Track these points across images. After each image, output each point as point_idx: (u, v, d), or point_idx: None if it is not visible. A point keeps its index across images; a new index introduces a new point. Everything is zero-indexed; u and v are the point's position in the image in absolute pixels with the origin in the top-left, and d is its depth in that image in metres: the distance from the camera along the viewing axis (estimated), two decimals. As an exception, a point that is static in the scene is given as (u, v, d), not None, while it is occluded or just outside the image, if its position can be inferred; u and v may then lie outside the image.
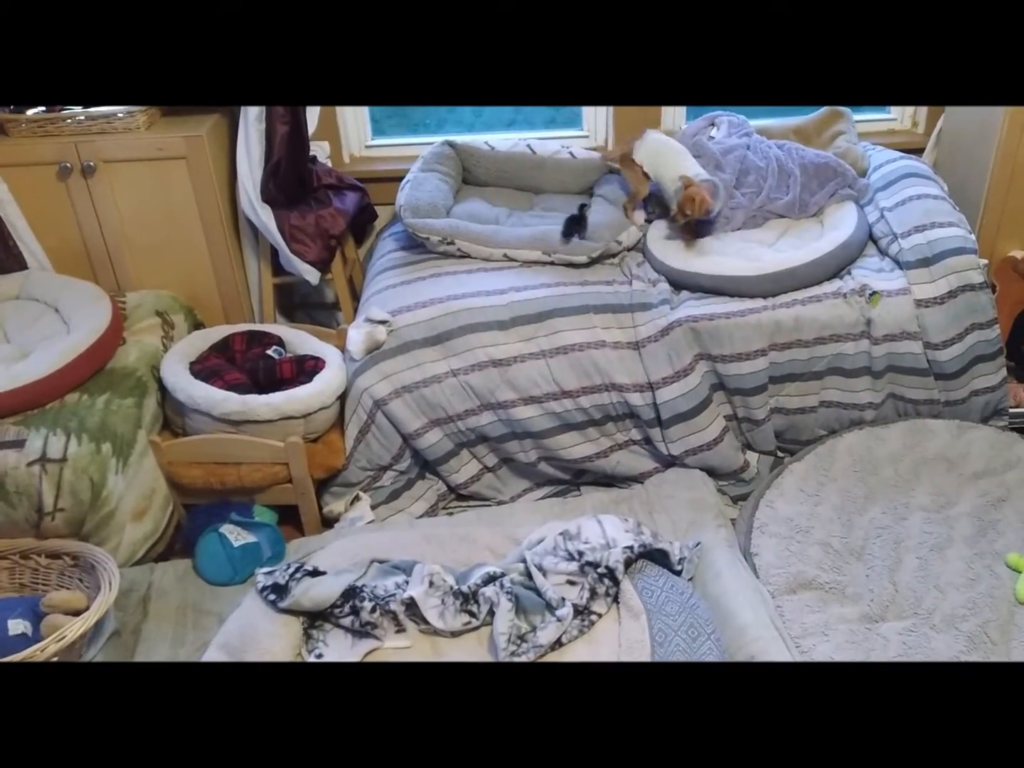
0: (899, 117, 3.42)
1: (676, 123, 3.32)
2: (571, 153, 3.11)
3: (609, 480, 2.68)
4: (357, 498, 2.56)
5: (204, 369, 2.55)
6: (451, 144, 3.11)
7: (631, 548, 2.15)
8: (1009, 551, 2.20)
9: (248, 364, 2.61)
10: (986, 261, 2.64)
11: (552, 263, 2.77)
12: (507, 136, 3.25)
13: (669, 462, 2.63)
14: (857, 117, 3.27)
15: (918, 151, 3.24)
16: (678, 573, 2.20)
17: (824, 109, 3.19)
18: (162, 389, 2.54)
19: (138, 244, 2.87)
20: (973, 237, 2.62)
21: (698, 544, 2.26)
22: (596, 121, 3.35)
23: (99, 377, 2.47)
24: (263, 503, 2.51)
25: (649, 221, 2.95)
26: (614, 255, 2.84)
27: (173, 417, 2.56)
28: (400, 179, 2.98)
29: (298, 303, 3.33)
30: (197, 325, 2.91)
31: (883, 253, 2.74)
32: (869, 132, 3.35)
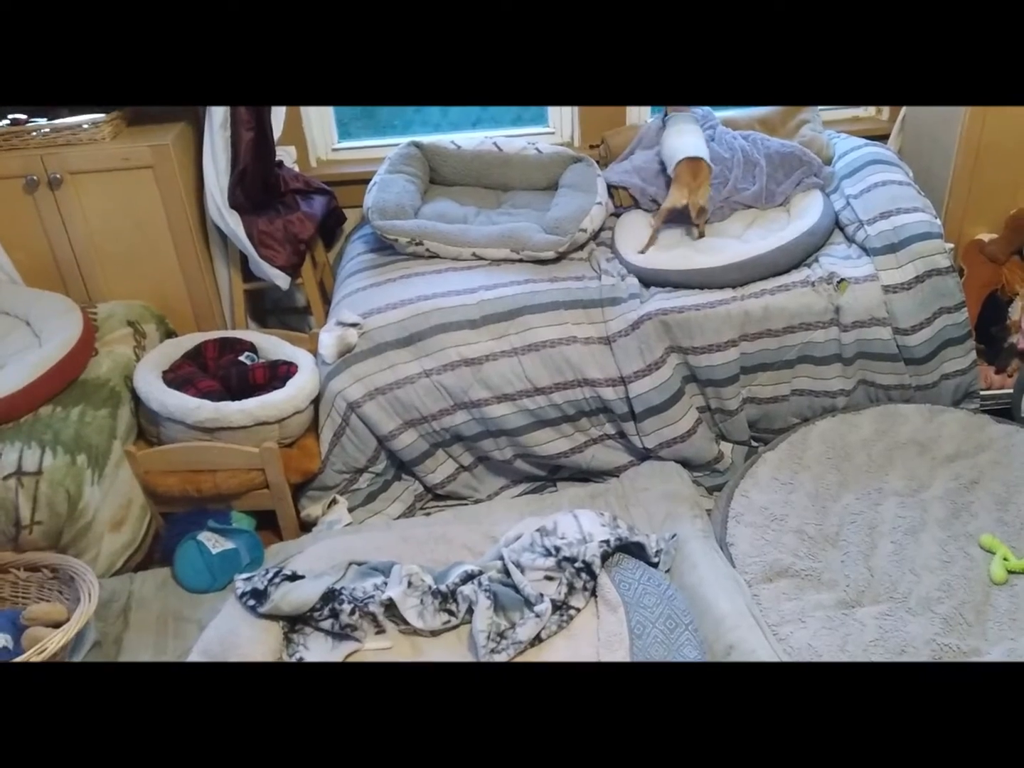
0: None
1: (641, 117, 3.33)
2: (537, 149, 3.12)
3: (585, 475, 2.70)
4: (334, 501, 2.56)
5: (177, 378, 2.54)
6: (417, 145, 3.11)
7: (607, 542, 2.17)
8: (982, 532, 2.22)
9: (221, 371, 2.61)
10: (952, 245, 2.67)
11: (521, 260, 2.77)
12: (473, 135, 3.25)
13: (644, 455, 2.64)
14: (821, 105, 3.30)
15: (883, 138, 3.26)
16: (655, 565, 2.21)
17: (789, 99, 3.21)
18: (135, 399, 2.53)
19: (107, 254, 2.85)
20: (939, 222, 2.64)
21: (674, 536, 2.28)
22: (562, 118, 3.36)
23: (72, 389, 2.45)
24: (240, 509, 2.50)
25: (616, 215, 2.96)
26: (582, 246, 2.84)
27: (147, 426, 2.55)
28: (368, 181, 2.98)
29: (270, 308, 3.32)
30: (169, 334, 2.90)
31: (850, 240, 2.76)
32: (834, 120, 3.37)
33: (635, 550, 2.22)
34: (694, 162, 2.72)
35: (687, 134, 2.82)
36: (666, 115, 2.99)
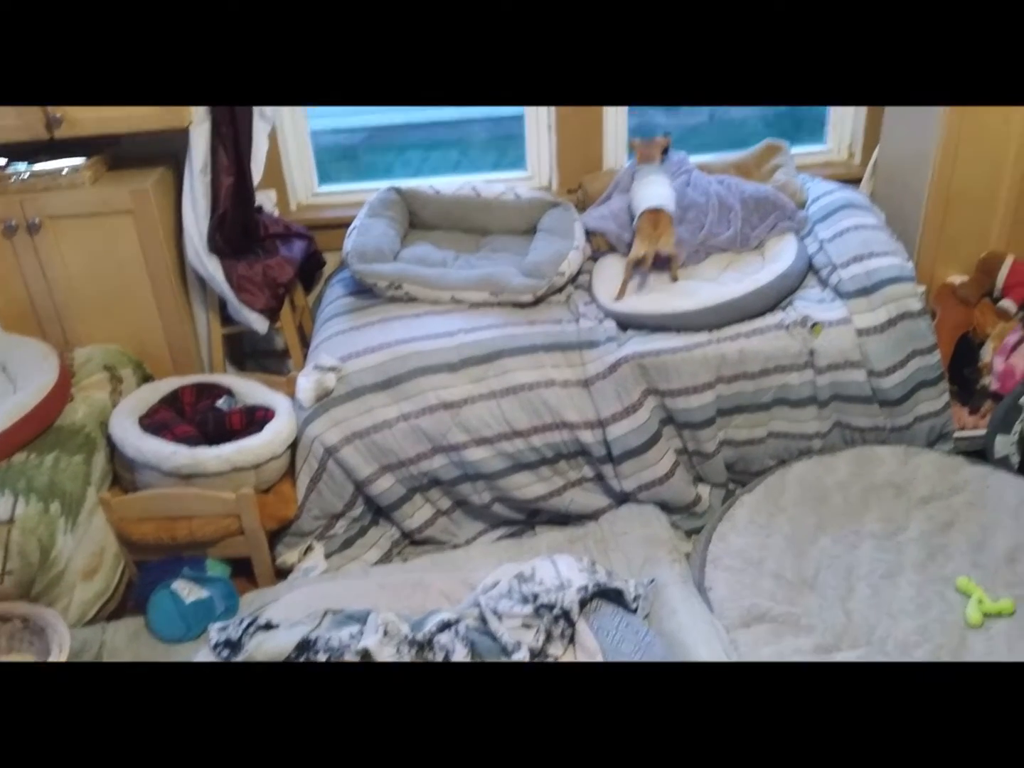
0: (836, 148, 3.49)
1: (618, 162, 3.37)
2: (516, 194, 3.15)
3: (564, 519, 2.69)
4: (310, 547, 2.54)
5: (153, 423, 2.53)
6: (397, 189, 3.14)
7: (586, 588, 2.15)
8: (958, 575, 2.23)
9: (198, 416, 2.60)
10: (924, 288, 2.70)
11: (500, 304, 2.79)
12: (453, 180, 3.28)
13: (623, 498, 2.64)
14: (794, 150, 3.35)
15: (855, 181, 3.32)
16: (633, 611, 2.20)
17: (762, 143, 3.26)
18: (111, 445, 2.52)
19: (86, 299, 2.85)
20: (910, 266, 2.68)
21: (652, 581, 2.27)
22: (540, 162, 3.40)
23: (47, 435, 2.44)
24: (215, 556, 2.48)
25: (594, 259, 2.99)
26: (560, 289, 2.86)
27: (123, 473, 2.54)
28: (348, 225, 3.00)
29: (248, 352, 3.32)
30: (146, 378, 2.89)
31: (824, 283, 2.79)
32: (807, 164, 3.42)
33: (613, 596, 2.21)
34: (655, 213, 2.77)
35: (652, 184, 2.87)
36: (635, 167, 3.04)
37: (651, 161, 3.02)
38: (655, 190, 2.85)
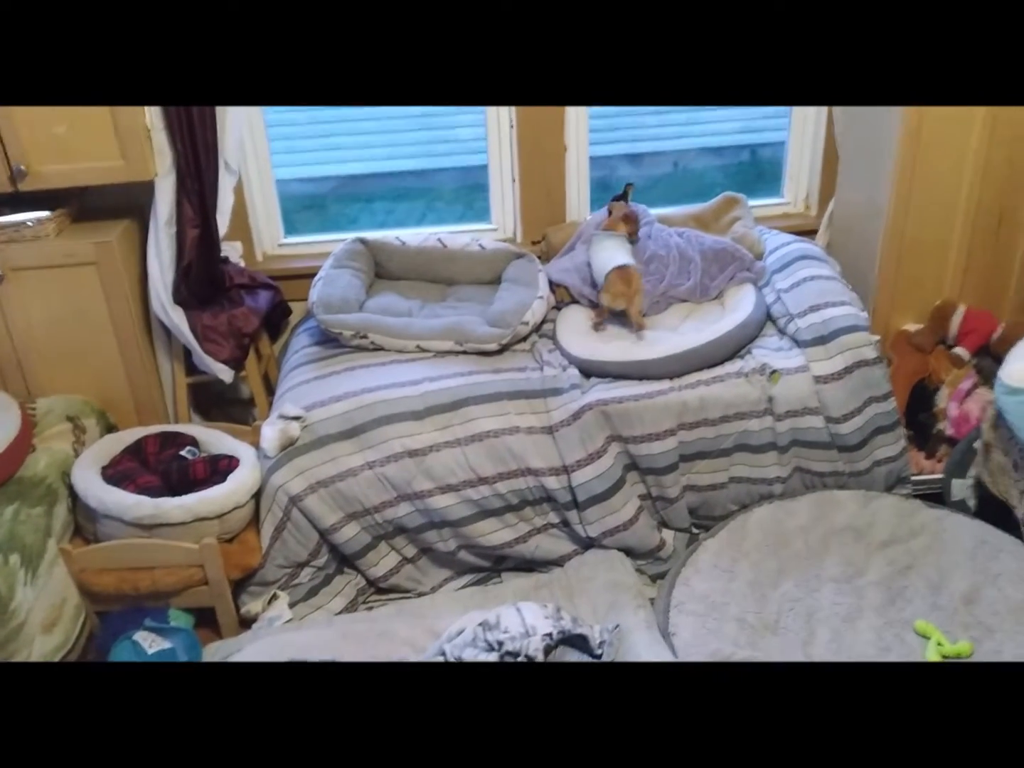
0: (793, 201, 3.59)
1: (581, 214, 3.43)
2: (481, 245, 3.19)
3: (530, 565, 2.70)
4: (275, 596, 2.53)
5: (116, 473, 2.52)
6: (363, 240, 3.17)
7: (550, 635, 2.15)
8: (917, 618, 2.25)
9: (161, 466, 2.59)
10: (878, 337, 2.76)
11: (465, 352, 2.82)
12: (418, 231, 3.32)
13: (588, 544, 2.66)
14: (754, 202, 3.43)
15: (812, 233, 3.40)
16: (598, 657, 2.20)
17: (721, 196, 3.34)
18: (73, 495, 2.50)
19: (48, 350, 2.84)
20: (865, 315, 2.74)
21: (617, 626, 2.28)
22: (504, 214, 3.45)
23: (7, 487, 2.41)
24: (178, 607, 2.46)
25: (558, 308, 3.03)
26: (525, 338, 2.90)
27: (85, 523, 2.52)
28: (314, 275, 3.02)
29: (214, 401, 3.32)
30: (110, 428, 2.88)
31: (781, 332, 2.85)
32: (766, 216, 3.51)
33: (578, 642, 2.22)
34: (624, 271, 2.81)
35: (611, 249, 2.90)
36: (595, 230, 3.03)
37: (614, 233, 2.97)
38: (619, 254, 2.87)
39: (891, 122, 2.85)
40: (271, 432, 2.52)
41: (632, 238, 3.01)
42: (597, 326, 2.87)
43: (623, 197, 3.07)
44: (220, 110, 2.76)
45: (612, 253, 2.87)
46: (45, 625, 2.31)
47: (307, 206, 3.59)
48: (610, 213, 3.04)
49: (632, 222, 3.01)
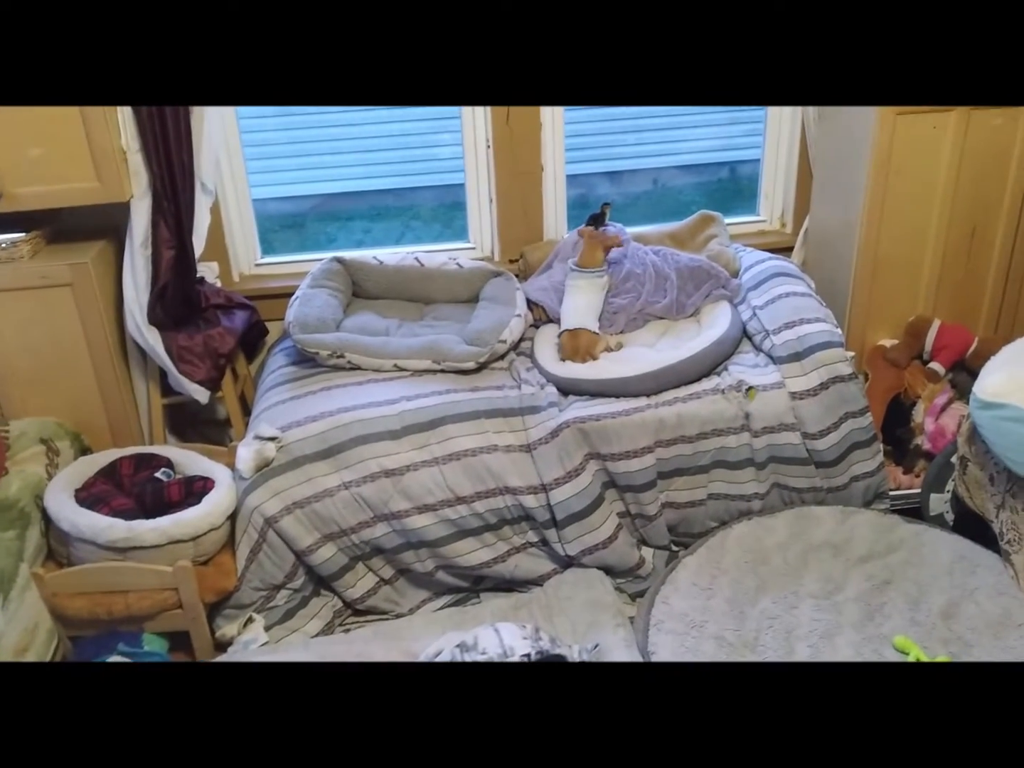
0: (769, 218, 3.61)
1: (559, 233, 3.44)
2: (458, 264, 3.20)
3: (509, 585, 2.68)
4: (250, 619, 2.50)
5: (90, 496, 2.49)
6: (340, 260, 3.17)
7: (528, 656, 2.14)
8: (896, 633, 2.25)
9: (136, 488, 2.57)
10: (853, 353, 2.78)
11: (442, 371, 2.81)
12: (396, 250, 3.32)
13: (567, 563, 2.65)
14: (730, 220, 3.45)
15: (787, 250, 3.42)
16: (576, 676, 2.19)
17: (697, 214, 3.36)
18: (46, 519, 2.48)
19: (22, 372, 2.82)
20: (839, 331, 2.76)
21: (596, 646, 2.27)
22: (482, 233, 3.46)
23: (-21, 511, 2.40)
24: (152, 631, 2.43)
25: (536, 326, 3.04)
26: (502, 356, 2.90)
27: (58, 547, 2.49)
28: (291, 295, 3.02)
29: (190, 421, 3.30)
30: (84, 450, 2.85)
31: (757, 349, 2.86)
32: (742, 234, 3.53)
33: (557, 662, 2.20)
34: (574, 335, 2.83)
35: (574, 299, 2.91)
36: (570, 268, 2.99)
37: (591, 272, 2.93)
38: (575, 312, 2.88)
39: (863, 140, 2.88)
40: (247, 453, 2.51)
41: (614, 246, 2.98)
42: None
43: (600, 217, 3.07)
44: (196, 131, 2.76)
45: (574, 306, 2.89)
46: (17, 650, 2.28)
47: (286, 225, 3.59)
48: (580, 235, 3.04)
49: (607, 243, 2.99)
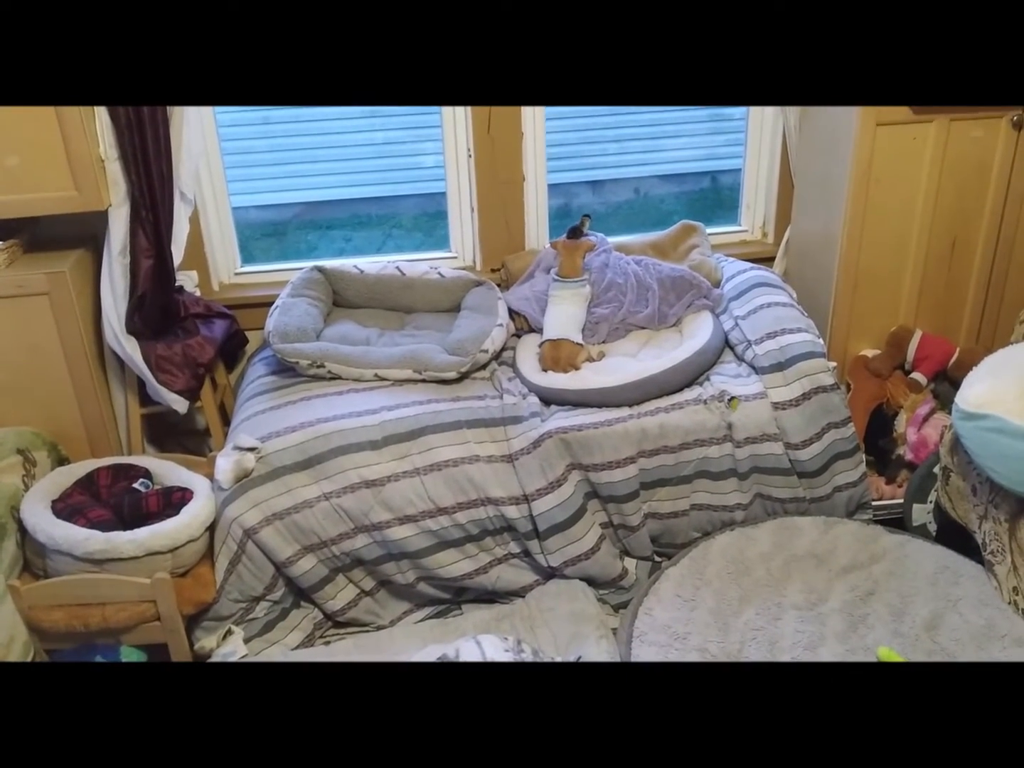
0: (750, 228, 3.61)
1: (540, 242, 3.44)
2: (440, 273, 3.18)
3: (491, 596, 2.67)
4: (229, 632, 2.47)
5: (67, 507, 2.46)
6: (320, 269, 3.15)
7: (510, 667, 2.13)
8: (879, 644, 2.25)
9: (114, 499, 2.54)
10: (835, 364, 2.78)
11: (424, 380, 2.79)
12: (377, 259, 3.30)
13: (549, 574, 2.63)
14: (711, 230, 3.46)
15: (769, 260, 3.43)
16: (559, 689, 2.18)
17: (678, 224, 3.36)
18: (23, 530, 2.44)
19: (-2, 381, 2.79)
20: (821, 341, 2.76)
21: (579, 658, 2.26)
22: (463, 242, 3.45)
23: (-47, 522, 2.36)
24: (130, 643, 2.40)
25: (518, 336, 3.02)
26: (484, 366, 2.89)
27: (34, 559, 2.45)
28: (271, 304, 2.99)
29: (168, 431, 3.26)
30: (62, 460, 2.81)
31: (739, 359, 2.86)
32: (724, 244, 3.53)
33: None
34: (555, 345, 2.82)
35: (556, 310, 2.91)
36: (553, 279, 2.99)
37: (572, 282, 2.94)
38: (562, 316, 2.88)
39: (844, 151, 2.89)
40: (226, 464, 2.48)
41: (589, 250, 2.99)
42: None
43: (579, 228, 3.07)
44: (175, 139, 2.73)
45: (556, 317, 2.89)
46: (-9, 665, 2.24)
47: (266, 234, 3.57)
48: (555, 247, 3.03)
49: (583, 249, 2.99)
